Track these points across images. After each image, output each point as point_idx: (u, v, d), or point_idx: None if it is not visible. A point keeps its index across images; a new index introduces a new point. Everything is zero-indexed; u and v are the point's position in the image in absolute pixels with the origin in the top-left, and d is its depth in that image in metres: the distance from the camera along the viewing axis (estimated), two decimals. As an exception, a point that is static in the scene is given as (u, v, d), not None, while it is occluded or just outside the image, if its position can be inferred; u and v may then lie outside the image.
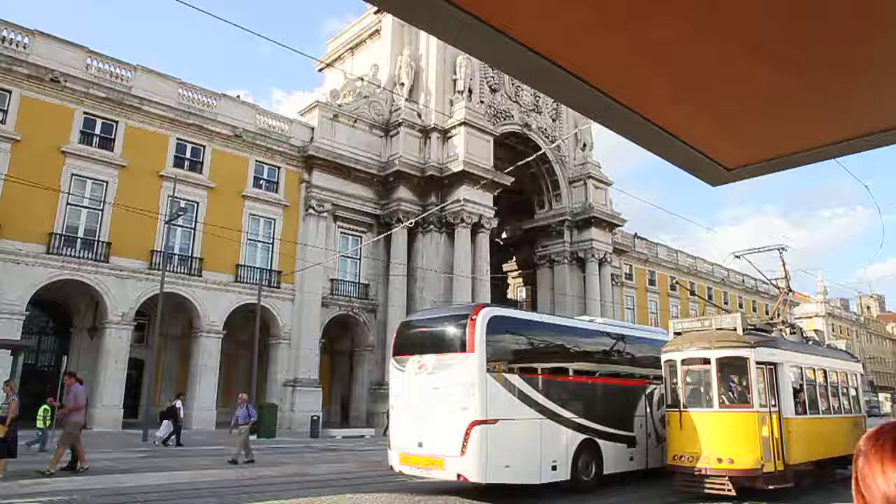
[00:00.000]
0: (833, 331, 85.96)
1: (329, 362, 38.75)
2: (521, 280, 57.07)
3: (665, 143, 1.57)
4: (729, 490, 12.14)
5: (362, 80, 40.09)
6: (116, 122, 29.02)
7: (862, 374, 19.51)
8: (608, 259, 49.31)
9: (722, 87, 1.35)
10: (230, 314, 31.68)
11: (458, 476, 11.80)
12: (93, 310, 30.35)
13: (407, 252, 37.52)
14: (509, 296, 58.69)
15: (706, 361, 13.22)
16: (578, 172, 49.14)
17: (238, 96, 36.30)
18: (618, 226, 51.24)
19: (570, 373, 14.30)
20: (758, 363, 12.86)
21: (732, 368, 13.21)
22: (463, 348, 12.33)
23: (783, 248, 18.89)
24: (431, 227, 37.97)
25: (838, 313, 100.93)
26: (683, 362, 13.58)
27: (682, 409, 13.27)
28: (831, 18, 1.10)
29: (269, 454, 21.04)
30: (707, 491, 12.44)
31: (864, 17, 1.10)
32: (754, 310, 73.16)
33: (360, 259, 37.54)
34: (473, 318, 12.35)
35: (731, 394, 13.21)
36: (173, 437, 22.75)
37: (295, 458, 20.23)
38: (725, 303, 71.13)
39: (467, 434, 11.63)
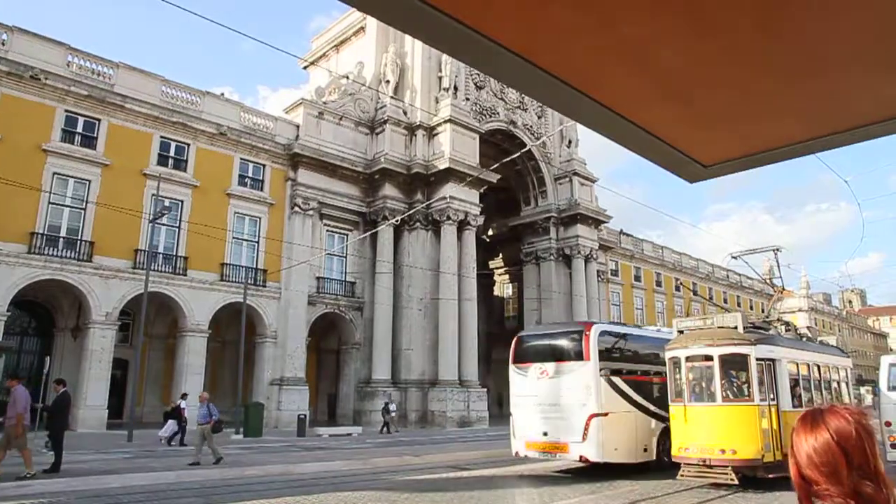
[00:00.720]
0: (816, 325, 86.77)
1: (316, 360, 38.65)
2: (507, 277, 57.20)
3: (643, 142, 1.59)
4: (732, 479, 12.91)
5: (347, 77, 39.98)
6: (99, 121, 28.73)
7: (851, 369, 20.41)
8: (594, 255, 49.53)
9: (698, 86, 1.37)
10: (216, 313, 31.51)
11: (580, 457, 14.61)
12: (76, 310, 30.07)
13: (393, 250, 37.50)
14: (496, 293, 58.82)
15: (709, 358, 13.96)
16: (564, 169, 49.28)
17: (222, 94, 36.09)
18: (603, 222, 51.46)
19: (654, 374, 16.45)
20: (758, 359, 13.57)
21: (734, 365, 14.00)
22: (580, 357, 15.12)
23: (778, 250, 19.58)
24: (417, 224, 37.96)
25: (821, 308, 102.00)
26: (687, 359, 14.37)
27: (686, 403, 14.07)
28: (804, 20, 1.13)
29: (256, 453, 20.97)
30: (712, 480, 13.33)
31: (834, 18, 1.13)
32: (738, 304, 73.83)
33: (346, 257, 37.46)
34: (587, 333, 15.21)
35: (732, 388, 13.99)
36: (177, 436, 23.24)
37: (281, 457, 20.16)
38: (710, 298, 71.64)
39: (587, 425, 14.44)
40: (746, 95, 1.41)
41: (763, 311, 77.53)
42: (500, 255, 56.80)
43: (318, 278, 35.66)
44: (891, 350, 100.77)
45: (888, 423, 14.20)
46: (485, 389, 38.45)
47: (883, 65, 1.29)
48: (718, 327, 14.81)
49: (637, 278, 61.73)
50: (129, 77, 29.97)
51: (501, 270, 57.38)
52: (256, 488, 13.38)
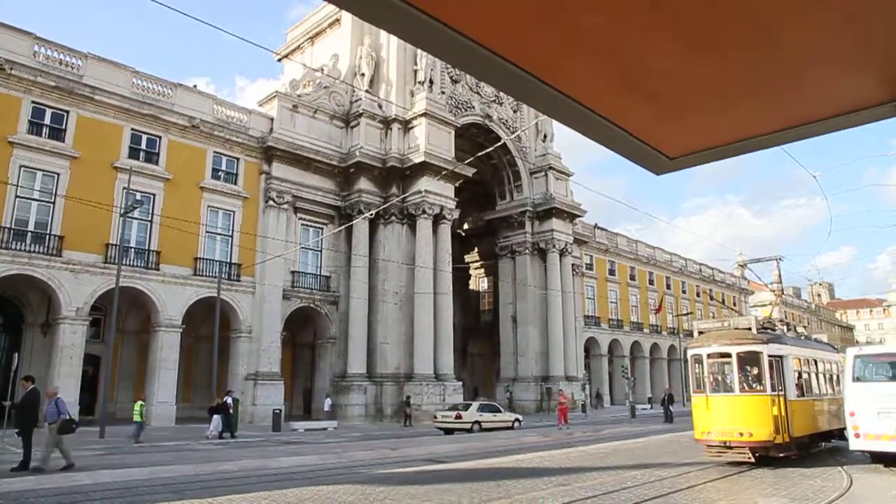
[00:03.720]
0: (785, 318, 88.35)
1: (291, 355, 38.46)
2: (483, 271, 57.38)
3: (608, 133, 1.59)
4: (749, 458, 15.07)
5: (322, 70, 39.68)
6: (67, 112, 28.16)
7: (841, 363, 22.17)
8: (569, 249, 49.85)
9: (662, 77, 1.37)
10: (189, 308, 31.17)
11: None
12: (46, 305, 29.54)
13: (368, 244, 37.39)
14: (471, 287, 58.98)
15: (727, 355, 16.22)
16: (539, 164, 49.50)
17: (195, 86, 35.57)
18: (578, 216, 51.79)
19: None
20: (769, 356, 15.70)
21: (749, 361, 16.14)
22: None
23: (780, 259, 22.56)
24: (393, 218, 37.89)
25: (790, 301, 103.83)
26: (709, 356, 16.53)
27: (707, 394, 16.21)
28: (768, 9, 1.14)
29: (231, 448, 20.84)
30: (731, 459, 15.49)
31: (800, 9, 1.14)
32: (711, 298, 74.83)
33: (321, 251, 37.29)
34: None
35: (748, 381, 16.07)
36: (226, 431, 24.46)
37: (257, 451, 20.07)
38: (683, 291, 72.59)
39: None
40: (710, 87, 1.40)
41: (735, 305, 78.77)
42: (476, 249, 56.95)
43: (292, 272, 35.45)
44: (857, 342, 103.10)
45: (852, 414, 14.77)
46: (460, 383, 38.60)
47: (849, 55, 1.30)
48: (735, 328, 17.06)
49: (612, 272, 62.27)
50: (98, 68, 29.41)
51: (477, 264, 57.53)
52: (231, 483, 13.30)
